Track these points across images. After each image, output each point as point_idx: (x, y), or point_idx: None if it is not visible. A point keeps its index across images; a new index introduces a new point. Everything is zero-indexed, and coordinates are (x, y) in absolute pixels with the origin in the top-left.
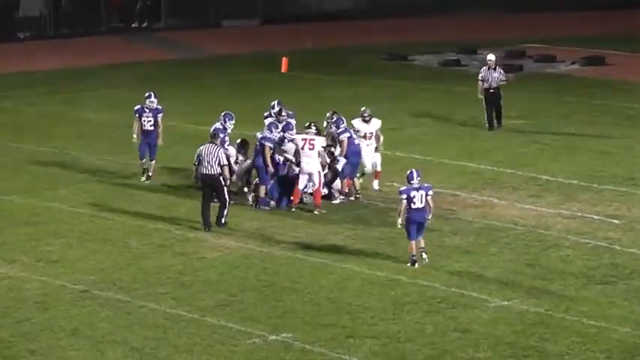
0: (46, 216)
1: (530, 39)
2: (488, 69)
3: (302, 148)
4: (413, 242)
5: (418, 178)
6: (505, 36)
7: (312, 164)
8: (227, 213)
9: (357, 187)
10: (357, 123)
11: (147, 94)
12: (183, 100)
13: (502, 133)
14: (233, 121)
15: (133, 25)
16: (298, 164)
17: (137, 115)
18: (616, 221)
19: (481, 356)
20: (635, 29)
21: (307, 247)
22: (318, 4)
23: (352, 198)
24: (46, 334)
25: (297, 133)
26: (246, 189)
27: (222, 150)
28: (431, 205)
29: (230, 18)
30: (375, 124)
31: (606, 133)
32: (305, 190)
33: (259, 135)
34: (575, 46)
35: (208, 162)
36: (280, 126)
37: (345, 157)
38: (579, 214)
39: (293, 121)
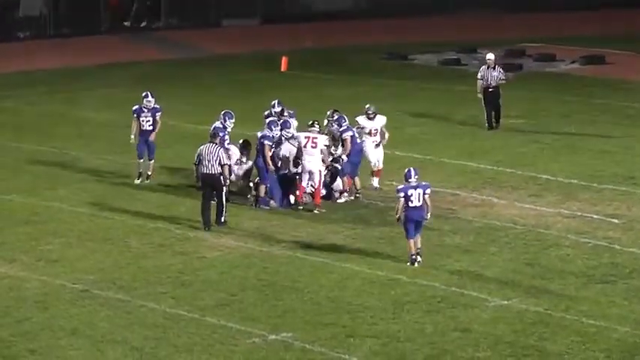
0: (46, 215)
1: (530, 38)
2: (488, 68)
3: (304, 146)
4: (411, 241)
5: (416, 177)
6: (505, 35)
7: (314, 162)
8: (226, 212)
9: (358, 186)
10: (361, 120)
11: (144, 94)
12: (183, 100)
13: (502, 132)
14: (233, 120)
15: (126, 24)
16: (297, 165)
17: (135, 115)
18: (616, 220)
19: (481, 355)
20: (635, 29)
21: (307, 246)
22: (318, 4)
23: (352, 197)
24: (45, 334)
25: (298, 132)
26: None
27: (222, 149)
28: (428, 203)
29: (230, 17)
30: (380, 120)
31: (606, 132)
32: (304, 190)
33: (259, 134)
34: (575, 45)
35: (209, 161)
36: (284, 123)
37: (347, 155)
38: (579, 213)
39: (294, 121)
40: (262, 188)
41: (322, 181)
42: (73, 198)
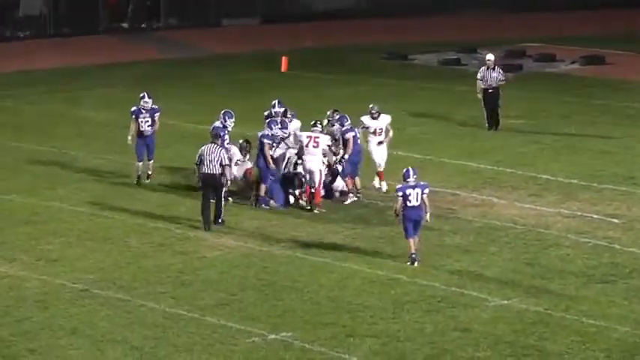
0: (46, 215)
1: (530, 38)
2: (487, 69)
3: (306, 146)
4: (411, 240)
5: (414, 176)
6: (505, 35)
7: (315, 162)
8: (224, 211)
9: (358, 186)
10: (366, 120)
11: (141, 95)
12: (183, 99)
13: (502, 132)
14: (233, 119)
15: (124, 26)
16: (295, 165)
17: (134, 116)
18: (616, 220)
19: (481, 355)
20: (635, 29)
21: (307, 246)
22: (318, 4)
23: (354, 198)
24: (45, 333)
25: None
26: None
27: (224, 150)
28: (426, 203)
29: (230, 17)
30: (384, 119)
31: (606, 132)
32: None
33: (259, 134)
34: (575, 45)
35: (210, 161)
36: (281, 122)
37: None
38: (579, 213)
39: (297, 122)
40: (263, 188)
41: (322, 180)
42: (72, 197)
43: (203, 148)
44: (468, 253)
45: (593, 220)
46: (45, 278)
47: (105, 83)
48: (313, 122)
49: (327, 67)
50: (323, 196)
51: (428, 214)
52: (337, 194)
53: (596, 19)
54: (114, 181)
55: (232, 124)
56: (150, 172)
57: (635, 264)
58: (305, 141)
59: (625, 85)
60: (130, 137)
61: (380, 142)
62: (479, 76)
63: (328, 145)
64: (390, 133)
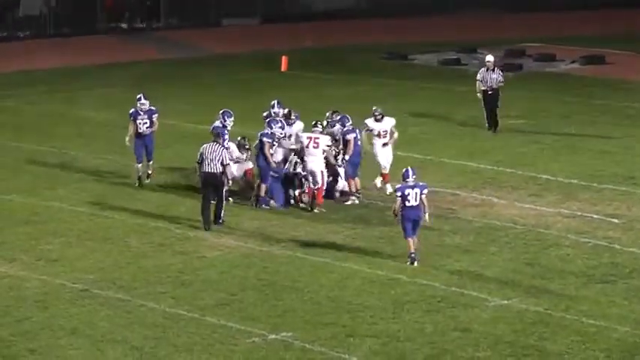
0: (46, 215)
1: (530, 38)
2: (487, 70)
3: (307, 147)
4: (410, 240)
5: (414, 176)
6: (505, 35)
7: (316, 163)
8: (224, 211)
9: (358, 187)
10: (370, 122)
11: (137, 97)
12: (183, 99)
13: (502, 132)
14: (232, 118)
15: (123, 27)
16: (295, 166)
17: (132, 118)
18: (616, 220)
19: (481, 355)
20: (635, 28)
21: (307, 246)
22: (318, 3)
23: (355, 199)
24: (45, 333)
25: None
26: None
27: (225, 150)
28: (425, 203)
29: (230, 17)
30: (388, 122)
31: (606, 132)
32: (304, 190)
33: (259, 133)
34: (575, 45)
35: (211, 160)
36: (280, 123)
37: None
38: (579, 213)
39: (299, 123)
40: (263, 188)
41: (325, 180)
42: (72, 198)
43: (204, 146)
44: (468, 253)
45: (593, 220)
46: (45, 278)
47: (105, 83)
48: (314, 123)
49: (327, 67)
50: (324, 197)
51: (427, 215)
52: (337, 194)
53: (596, 19)
54: (114, 181)
55: (231, 124)
56: (150, 172)
57: (635, 264)
58: (305, 142)
59: (625, 85)
60: (128, 139)
61: (385, 144)
62: (479, 77)
63: (328, 146)
64: (395, 135)
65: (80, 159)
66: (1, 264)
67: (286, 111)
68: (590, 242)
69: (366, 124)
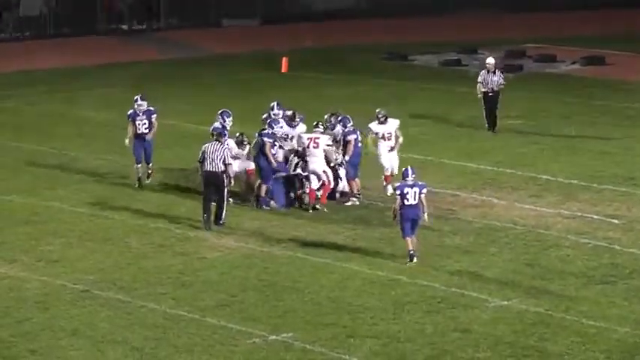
0: (46, 215)
1: (531, 39)
2: (488, 72)
3: (307, 147)
4: (408, 239)
5: (413, 176)
6: (505, 36)
7: (317, 163)
8: (226, 212)
9: (358, 187)
10: (374, 126)
11: (135, 98)
12: (183, 100)
13: (502, 133)
14: (231, 118)
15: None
16: (296, 166)
17: (131, 119)
18: (616, 221)
19: (481, 356)
20: (635, 29)
21: (308, 246)
22: (318, 4)
23: (356, 199)
24: (46, 334)
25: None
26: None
27: (227, 149)
28: (424, 203)
29: (230, 17)
30: (392, 124)
31: (606, 133)
32: (305, 190)
33: (260, 133)
34: (575, 45)
35: (213, 159)
36: (281, 122)
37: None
38: (579, 213)
39: (302, 126)
40: (263, 188)
41: (331, 179)
42: (73, 198)
43: (206, 145)
44: (468, 253)
45: (593, 220)
46: (45, 279)
47: (105, 83)
48: (315, 123)
49: (327, 67)
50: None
51: (426, 215)
52: (338, 195)
53: (596, 19)
54: (114, 182)
55: (230, 123)
56: (150, 172)
57: (635, 265)
58: (306, 142)
59: (625, 85)
60: (127, 140)
61: (391, 149)
62: (479, 79)
63: (328, 145)
64: (400, 140)
65: (80, 159)
66: (2, 265)
67: (290, 113)
68: (590, 243)
69: (370, 128)
